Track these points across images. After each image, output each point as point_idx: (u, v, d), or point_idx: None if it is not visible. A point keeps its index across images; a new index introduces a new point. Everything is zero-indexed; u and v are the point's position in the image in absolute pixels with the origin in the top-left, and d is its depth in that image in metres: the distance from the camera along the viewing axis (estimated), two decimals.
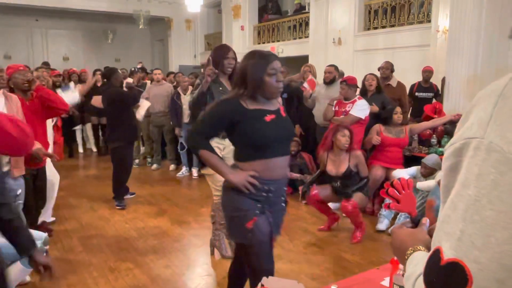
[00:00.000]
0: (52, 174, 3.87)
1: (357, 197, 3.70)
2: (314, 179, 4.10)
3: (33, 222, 3.43)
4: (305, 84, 5.09)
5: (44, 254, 2.01)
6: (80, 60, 14.14)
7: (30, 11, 12.59)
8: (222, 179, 2.96)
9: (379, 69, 5.39)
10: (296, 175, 4.87)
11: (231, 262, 2.38)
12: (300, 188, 4.81)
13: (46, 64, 8.69)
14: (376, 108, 4.59)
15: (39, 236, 2.34)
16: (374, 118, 4.54)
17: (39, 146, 2.85)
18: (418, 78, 6.12)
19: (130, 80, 5.43)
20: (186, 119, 6.03)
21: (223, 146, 2.96)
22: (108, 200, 4.91)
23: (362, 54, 8.24)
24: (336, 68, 5.20)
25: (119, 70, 5.19)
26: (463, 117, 0.62)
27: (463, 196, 0.56)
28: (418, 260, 0.72)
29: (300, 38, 10.19)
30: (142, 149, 7.27)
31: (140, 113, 5.02)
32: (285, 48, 10.13)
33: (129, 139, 4.79)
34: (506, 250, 0.50)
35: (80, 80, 7.80)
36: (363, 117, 4.39)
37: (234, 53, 3.09)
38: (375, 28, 8.22)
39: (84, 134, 8.16)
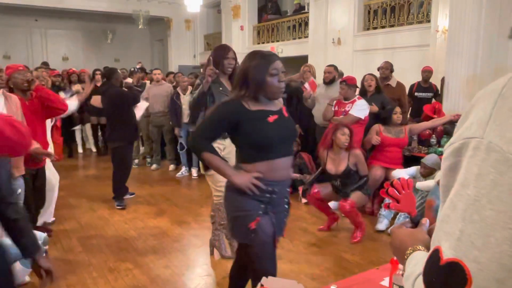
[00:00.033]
0: (51, 174, 3.87)
1: (355, 196, 3.70)
2: (315, 178, 4.10)
3: (32, 222, 3.42)
4: (306, 85, 5.10)
5: (44, 254, 2.01)
6: (80, 60, 14.13)
7: (30, 11, 12.59)
8: (222, 179, 2.97)
9: (378, 69, 5.40)
10: (295, 175, 4.87)
11: (232, 263, 2.37)
12: (300, 188, 4.82)
13: (45, 64, 8.69)
14: (375, 108, 4.59)
15: (38, 236, 2.33)
16: (374, 118, 4.54)
17: (37, 146, 2.85)
18: (418, 78, 6.13)
19: (129, 80, 5.44)
20: (185, 119, 6.03)
21: (223, 147, 2.95)
22: (108, 200, 4.90)
23: (361, 54, 8.24)
24: (335, 68, 5.20)
25: (118, 70, 5.20)
26: (462, 117, 0.62)
27: (462, 196, 0.56)
28: (417, 260, 0.72)
29: (299, 38, 10.19)
30: (142, 149, 7.27)
31: (137, 114, 5.02)
32: (285, 48, 10.13)
33: (129, 139, 4.80)
34: (506, 250, 0.50)
35: (80, 80, 7.79)
36: (363, 117, 4.39)
37: (234, 53, 3.09)
38: (375, 28, 8.22)
39: (84, 134, 8.15)
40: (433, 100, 5.85)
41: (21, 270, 1.97)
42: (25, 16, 13.45)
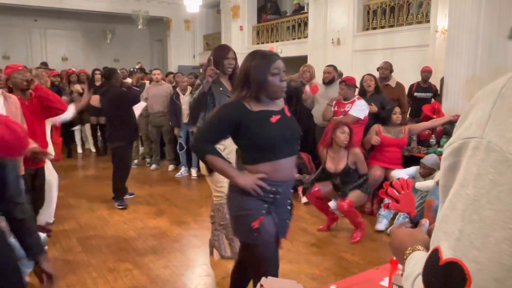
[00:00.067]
0: (50, 174, 3.86)
1: (354, 195, 3.70)
2: (316, 176, 4.09)
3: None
4: (307, 88, 5.10)
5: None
6: (79, 60, 14.12)
7: (29, 11, 12.58)
8: (223, 180, 2.98)
9: (378, 70, 5.40)
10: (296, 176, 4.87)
11: (234, 264, 2.36)
12: (300, 188, 4.82)
13: (44, 65, 8.69)
14: (375, 108, 4.59)
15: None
16: (373, 118, 4.54)
17: (34, 145, 2.84)
18: (417, 78, 6.13)
19: (129, 80, 5.44)
20: (185, 119, 6.03)
21: (223, 147, 2.95)
22: (107, 201, 4.90)
23: (361, 54, 8.24)
24: (335, 68, 5.20)
25: (118, 71, 5.20)
26: (461, 117, 0.62)
27: (461, 196, 0.56)
28: (417, 260, 0.72)
29: (299, 38, 10.19)
30: (141, 149, 7.27)
31: (135, 114, 5.03)
32: (284, 48, 10.14)
33: (130, 139, 4.82)
34: (505, 249, 0.50)
35: (79, 80, 7.79)
36: (362, 117, 4.39)
37: (234, 53, 3.09)
38: (374, 28, 8.23)
39: (83, 134, 8.15)
40: (433, 100, 5.86)
41: None
42: (24, 16, 13.45)
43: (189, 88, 6.14)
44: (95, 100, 6.28)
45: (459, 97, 5.00)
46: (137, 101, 5.02)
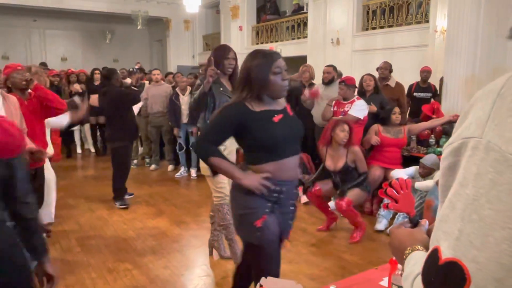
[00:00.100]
0: (49, 173, 3.85)
1: (353, 194, 3.70)
2: (317, 175, 4.08)
3: None
4: (306, 92, 5.10)
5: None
6: (78, 60, 14.11)
7: (28, 11, 12.57)
8: (222, 180, 2.98)
9: (377, 70, 5.40)
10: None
11: (238, 264, 2.34)
12: (300, 188, 4.81)
13: (43, 65, 8.67)
14: (374, 108, 4.60)
15: None
16: (373, 118, 4.54)
17: (31, 145, 2.84)
18: (416, 78, 6.13)
19: (128, 80, 5.44)
20: (184, 119, 6.03)
21: (223, 147, 2.95)
22: (107, 201, 4.90)
23: (360, 54, 8.24)
24: (334, 68, 5.20)
25: (118, 71, 5.21)
26: (461, 117, 0.62)
27: (461, 196, 0.56)
28: (416, 260, 0.72)
29: (298, 38, 10.19)
30: (141, 149, 7.26)
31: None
32: (284, 48, 10.13)
33: (130, 138, 4.83)
34: (505, 249, 0.50)
35: (79, 80, 7.79)
36: (362, 117, 4.39)
37: (235, 53, 3.08)
38: (373, 28, 8.23)
39: (82, 134, 8.14)
40: (432, 100, 5.86)
41: None
42: (23, 17, 13.44)
43: (189, 88, 6.14)
44: (94, 100, 6.27)
45: (458, 97, 5.00)
46: (137, 101, 5.03)
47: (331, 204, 4.21)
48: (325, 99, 4.83)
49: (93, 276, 3.09)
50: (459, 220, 0.55)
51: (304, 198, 4.64)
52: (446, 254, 0.55)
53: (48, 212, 3.91)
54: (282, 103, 2.03)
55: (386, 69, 5.32)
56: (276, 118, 1.92)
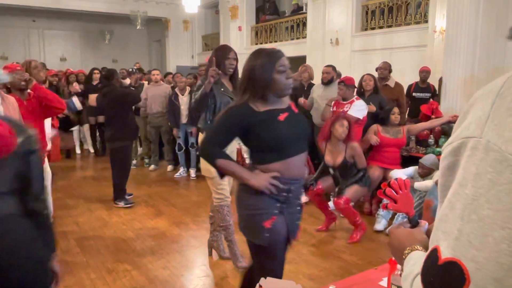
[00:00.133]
0: (47, 174, 3.85)
1: (352, 191, 3.70)
2: (319, 172, 4.07)
3: None
4: (301, 100, 5.12)
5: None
6: (77, 61, 14.11)
7: (27, 11, 12.56)
8: (223, 182, 2.97)
9: (377, 70, 5.40)
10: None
11: (250, 267, 2.27)
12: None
13: (42, 65, 8.66)
14: (373, 108, 4.60)
15: None
16: (372, 118, 4.55)
17: None
18: (416, 78, 6.14)
19: (128, 81, 5.43)
20: (184, 119, 6.03)
21: None
22: (106, 201, 4.89)
23: (359, 55, 8.25)
24: (334, 68, 5.20)
25: (118, 71, 5.21)
26: (460, 117, 0.62)
27: (460, 195, 0.56)
28: (415, 260, 0.72)
29: (297, 38, 10.19)
30: (140, 150, 7.26)
31: None
32: (283, 49, 9.95)
33: (130, 138, 4.83)
34: (504, 249, 0.50)
35: (78, 80, 7.79)
36: (361, 117, 4.39)
37: (235, 54, 3.07)
38: (373, 28, 8.23)
39: (81, 135, 8.14)
40: (431, 100, 5.86)
41: None
42: (22, 17, 13.42)
43: (188, 88, 6.14)
44: (93, 100, 6.26)
45: (457, 97, 5.01)
46: (138, 101, 5.04)
47: (331, 204, 4.22)
48: (324, 99, 4.83)
49: (92, 277, 3.08)
50: (458, 220, 0.55)
51: (304, 198, 4.64)
52: (445, 254, 0.55)
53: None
54: (286, 101, 2.00)
55: (385, 69, 5.32)
56: (282, 116, 1.90)
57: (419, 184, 3.76)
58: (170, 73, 8.12)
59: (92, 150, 8.07)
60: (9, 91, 3.21)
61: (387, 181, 1.08)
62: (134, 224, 4.22)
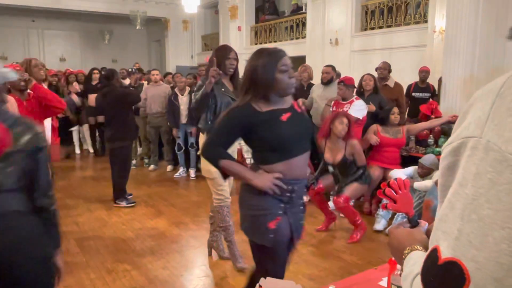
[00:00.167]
0: None
1: (352, 189, 3.70)
2: (320, 171, 4.06)
3: None
4: (300, 102, 5.12)
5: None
6: (77, 61, 14.10)
7: (27, 11, 12.55)
8: (223, 183, 2.97)
9: (376, 70, 5.40)
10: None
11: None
12: None
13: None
14: (373, 107, 4.60)
15: None
16: (372, 118, 4.55)
17: None
18: (415, 78, 6.14)
19: (127, 81, 5.44)
20: (183, 120, 6.03)
21: None
22: (105, 201, 4.89)
23: (359, 55, 8.25)
24: (333, 68, 5.20)
25: (118, 71, 5.21)
26: (460, 117, 0.62)
27: (460, 195, 0.56)
28: (415, 260, 0.72)
29: (297, 38, 10.20)
30: (139, 150, 7.26)
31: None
32: (282, 49, 10.10)
33: (131, 138, 4.84)
34: (504, 249, 0.50)
35: (77, 80, 7.78)
36: (361, 117, 4.39)
37: (236, 54, 3.07)
38: (372, 28, 8.24)
39: (81, 135, 8.13)
40: (430, 100, 5.86)
41: None
42: (22, 17, 13.42)
43: (187, 88, 6.14)
44: (92, 100, 6.25)
45: (457, 97, 5.01)
46: (138, 101, 5.05)
47: (331, 204, 4.22)
48: (324, 99, 4.83)
49: (92, 277, 3.08)
50: (458, 220, 0.55)
51: (305, 197, 4.64)
52: (445, 254, 0.55)
53: None
54: (289, 100, 1.99)
55: (385, 69, 5.32)
56: (284, 116, 1.88)
57: (419, 184, 3.76)
58: (170, 73, 8.12)
59: (91, 150, 8.07)
60: (8, 91, 3.21)
61: (386, 181, 1.08)
62: (134, 224, 4.22)
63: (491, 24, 4.77)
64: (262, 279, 1.58)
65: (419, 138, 4.77)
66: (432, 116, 4.86)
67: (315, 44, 9.01)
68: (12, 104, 3.02)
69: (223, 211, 3.10)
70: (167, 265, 3.29)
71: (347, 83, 4.48)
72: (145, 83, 6.94)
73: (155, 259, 3.40)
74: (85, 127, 7.91)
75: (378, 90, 4.86)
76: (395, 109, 4.44)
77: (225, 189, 3.08)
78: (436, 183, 3.38)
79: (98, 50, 15.11)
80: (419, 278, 0.61)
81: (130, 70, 6.99)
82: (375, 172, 4.27)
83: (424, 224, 0.94)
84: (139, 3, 12.82)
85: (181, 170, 6.32)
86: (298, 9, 10.71)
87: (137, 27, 12.93)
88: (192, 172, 6.20)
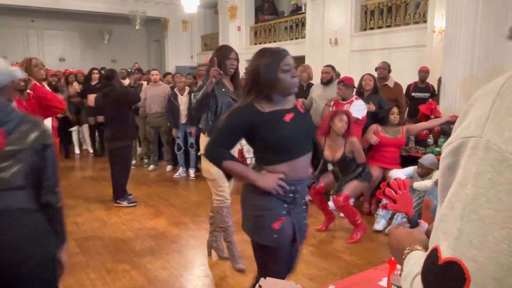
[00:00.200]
0: None
1: (351, 187, 3.70)
2: (319, 171, 4.06)
3: None
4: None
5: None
6: (77, 61, 14.10)
7: (26, 11, 12.54)
8: (223, 184, 2.97)
9: (376, 70, 5.41)
10: None
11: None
12: None
13: None
14: (373, 107, 4.60)
15: None
16: (371, 118, 4.55)
17: None
18: (414, 78, 6.14)
19: (127, 81, 5.44)
20: (183, 120, 6.03)
21: None
22: (105, 201, 4.89)
23: (358, 55, 8.25)
24: (333, 68, 5.20)
25: (118, 71, 5.22)
26: (460, 116, 0.62)
27: (460, 195, 0.56)
28: (415, 260, 0.72)
29: (296, 38, 10.20)
30: (139, 150, 7.25)
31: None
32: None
33: (131, 138, 4.85)
34: (504, 249, 0.50)
35: (77, 81, 7.78)
36: (361, 117, 4.39)
37: (236, 54, 3.06)
38: (372, 28, 8.24)
39: (81, 135, 8.13)
40: (430, 100, 5.86)
41: None
42: (21, 17, 13.41)
43: (187, 88, 6.14)
44: (92, 100, 6.25)
45: (456, 97, 5.02)
46: (138, 100, 5.05)
47: (331, 204, 4.22)
48: (323, 99, 4.83)
49: (92, 277, 3.08)
50: (458, 220, 0.55)
51: (307, 197, 4.64)
52: (445, 253, 0.55)
53: None
54: (292, 100, 1.98)
55: (384, 69, 5.32)
56: (288, 117, 1.88)
57: (418, 184, 3.76)
58: (169, 73, 8.12)
59: (91, 151, 8.06)
60: None
61: (386, 181, 1.08)
62: (134, 224, 4.22)
63: (490, 24, 4.77)
64: (262, 279, 1.58)
65: (419, 138, 4.77)
66: (432, 116, 4.87)
67: (315, 44, 9.01)
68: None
69: (222, 212, 3.10)
70: (167, 265, 3.29)
71: (346, 83, 4.48)
72: (145, 83, 6.94)
73: (154, 259, 3.40)
74: (85, 127, 7.90)
75: (378, 90, 4.86)
76: (395, 109, 4.44)
77: (225, 190, 3.08)
78: (435, 183, 3.38)
79: (98, 50, 15.11)
80: (419, 278, 0.61)
81: (129, 70, 6.99)
82: (375, 172, 4.27)
83: (424, 224, 0.94)
84: (139, 3, 12.82)
85: (181, 170, 6.32)
86: (297, 9, 10.71)
87: (137, 27, 12.93)
88: (191, 172, 6.20)
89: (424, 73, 5.97)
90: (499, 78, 0.58)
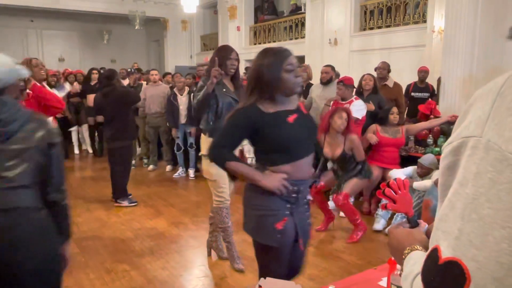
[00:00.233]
0: None
1: (350, 185, 3.70)
2: (319, 170, 4.06)
3: None
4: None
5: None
6: (76, 61, 14.08)
7: (25, 11, 12.53)
8: (223, 185, 2.97)
9: (376, 70, 5.41)
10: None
11: None
12: None
13: None
14: (372, 107, 4.60)
15: None
16: (371, 118, 4.55)
17: None
18: (414, 78, 6.14)
19: (126, 81, 5.44)
20: (182, 120, 6.03)
21: None
22: (105, 202, 4.89)
23: (358, 55, 8.25)
24: (332, 68, 5.20)
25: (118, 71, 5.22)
26: (460, 116, 0.62)
27: (461, 195, 0.56)
28: (415, 260, 0.72)
29: (296, 38, 10.19)
30: (139, 150, 7.25)
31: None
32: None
33: (131, 138, 4.85)
34: (504, 248, 0.50)
35: (76, 81, 7.78)
36: (360, 117, 4.40)
37: (237, 54, 3.06)
38: (371, 28, 8.24)
39: (80, 135, 8.13)
40: (429, 100, 5.86)
41: None
42: (20, 17, 13.39)
43: (187, 88, 6.13)
44: (91, 100, 6.25)
45: (456, 97, 5.02)
46: (138, 100, 5.05)
47: (330, 203, 4.22)
48: (323, 99, 4.83)
49: (91, 277, 3.08)
50: (458, 220, 0.55)
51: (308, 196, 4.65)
52: (445, 253, 0.55)
53: None
54: (295, 101, 1.97)
55: (384, 69, 5.32)
56: (291, 118, 1.87)
57: (418, 184, 3.77)
58: (169, 73, 8.12)
59: (90, 151, 8.06)
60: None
61: (386, 181, 1.08)
62: (133, 224, 4.22)
63: (490, 24, 4.77)
64: (262, 279, 1.58)
65: (418, 138, 4.77)
66: (431, 116, 4.87)
67: (314, 44, 9.01)
68: None
69: (222, 212, 3.10)
70: (166, 265, 3.29)
71: (346, 83, 4.48)
72: (144, 83, 6.93)
73: (154, 259, 3.40)
74: (84, 127, 7.90)
75: (378, 90, 4.86)
76: (394, 109, 4.44)
77: (225, 191, 3.08)
78: (435, 183, 3.38)
79: (97, 50, 15.09)
80: (419, 278, 0.61)
81: (129, 70, 6.99)
82: (375, 172, 4.27)
83: (424, 224, 0.94)
84: (138, 3, 12.81)
85: (180, 170, 6.31)
86: (297, 9, 10.71)
87: (136, 27, 12.91)
88: (191, 172, 6.20)
89: (423, 73, 5.97)
90: (499, 78, 0.58)
